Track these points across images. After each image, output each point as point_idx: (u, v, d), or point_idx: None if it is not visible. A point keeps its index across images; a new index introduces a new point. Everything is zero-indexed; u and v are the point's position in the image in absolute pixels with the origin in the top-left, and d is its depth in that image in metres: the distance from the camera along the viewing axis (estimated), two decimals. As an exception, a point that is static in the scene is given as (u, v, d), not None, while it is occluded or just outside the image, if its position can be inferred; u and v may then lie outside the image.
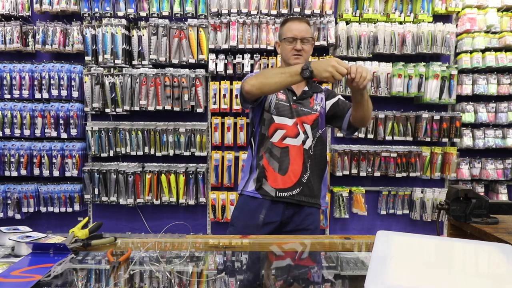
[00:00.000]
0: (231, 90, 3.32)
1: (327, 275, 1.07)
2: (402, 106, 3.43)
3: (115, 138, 3.32)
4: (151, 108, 3.26)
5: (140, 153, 3.30)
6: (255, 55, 3.28)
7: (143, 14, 3.30)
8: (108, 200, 3.31)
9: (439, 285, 0.77)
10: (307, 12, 3.22)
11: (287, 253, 1.24)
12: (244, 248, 1.25)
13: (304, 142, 1.78)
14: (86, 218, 1.36)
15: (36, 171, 3.29)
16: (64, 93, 3.29)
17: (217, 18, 3.24)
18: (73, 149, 3.30)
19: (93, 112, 3.35)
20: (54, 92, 3.28)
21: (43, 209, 3.32)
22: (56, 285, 0.91)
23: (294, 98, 1.82)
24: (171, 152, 3.30)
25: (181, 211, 3.52)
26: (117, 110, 3.28)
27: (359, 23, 3.28)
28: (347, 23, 3.31)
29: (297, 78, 1.54)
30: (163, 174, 3.28)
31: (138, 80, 3.24)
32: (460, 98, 3.39)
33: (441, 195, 3.33)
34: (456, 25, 3.39)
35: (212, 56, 3.26)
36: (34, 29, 3.34)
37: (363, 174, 3.30)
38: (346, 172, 3.29)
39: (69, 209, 3.33)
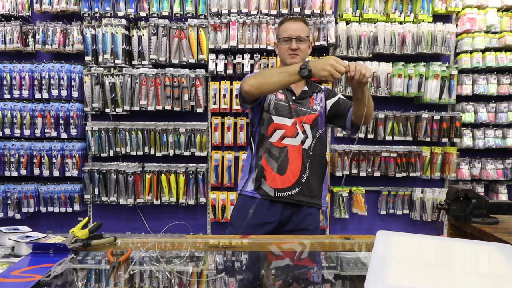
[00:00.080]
0: (231, 90, 3.32)
1: (327, 275, 1.07)
2: (402, 106, 3.43)
3: (115, 138, 3.32)
4: (151, 108, 3.26)
5: (140, 153, 3.30)
6: (255, 55, 3.28)
7: (143, 14, 3.29)
8: (108, 200, 3.31)
9: (439, 285, 0.77)
10: (307, 12, 3.22)
11: (287, 253, 1.24)
12: (244, 248, 1.25)
13: (303, 142, 1.77)
14: (86, 218, 1.36)
15: (36, 171, 3.29)
16: (64, 93, 3.29)
17: (217, 18, 3.24)
18: (73, 149, 3.30)
19: (93, 112, 3.35)
20: (54, 92, 3.28)
21: (43, 209, 3.32)
22: (56, 285, 0.91)
23: (293, 98, 1.82)
24: (171, 152, 3.30)
25: (181, 211, 3.52)
26: (117, 110, 3.28)
27: (359, 23, 3.28)
28: (347, 23, 3.31)
29: (295, 78, 1.54)
30: (163, 174, 3.28)
31: (138, 80, 3.24)
32: (460, 98, 3.39)
33: (441, 195, 3.33)
34: (456, 25, 3.39)
35: (212, 56, 3.26)
36: (34, 29, 3.34)
37: (363, 174, 3.30)
38: (346, 172, 3.29)
39: (69, 209, 3.33)
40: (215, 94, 3.29)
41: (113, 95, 3.26)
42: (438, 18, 3.37)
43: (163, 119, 3.38)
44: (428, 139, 3.32)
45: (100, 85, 3.26)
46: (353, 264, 1.12)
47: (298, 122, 1.77)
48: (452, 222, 1.27)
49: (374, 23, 3.31)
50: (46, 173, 3.29)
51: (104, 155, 3.31)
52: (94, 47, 3.28)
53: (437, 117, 3.31)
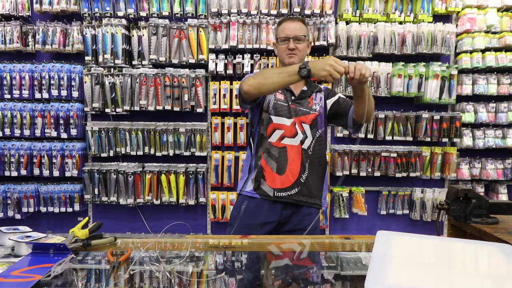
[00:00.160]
0: (231, 90, 3.32)
1: (327, 275, 1.07)
2: (402, 106, 3.43)
3: (115, 138, 3.32)
4: (151, 108, 3.26)
5: (140, 153, 3.30)
6: (255, 55, 3.28)
7: (143, 14, 3.30)
8: (108, 200, 3.31)
9: (439, 285, 0.77)
10: (307, 12, 3.22)
11: (287, 253, 1.24)
12: (244, 248, 1.25)
13: (302, 142, 1.77)
14: (86, 218, 1.36)
15: (36, 171, 3.29)
16: (64, 93, 3.29)
17: (217, 18, 3.24)
18: (73, 149, 3.30)
19: (93, 112, 3.35)
20: (54, 92, 3.28)
21: (43, 209, 3.32)
22: (56, 285, 0.91)
23: (293, 98, 1.82)
24: (171, 152, 3.30)
25: (181, 211, 3.52)
26: (117, 110, 3.28)
27: (359, 23, 3.28)
28: (347, 23, 3.31)
29: (295, 78, 1.54)
30: (163, 174, 3.28)
31: (138, 80, 3.24)
32: (460, 98, 3.39)
33: (441, 195, 3.33)
34: (456, 25, 3.39)
35: (212, 56, 3.26)
36: (34, 29, 3.34)
37: (363, 174, 3.30)
38: (346, 172, 3.29)
39: (69, 209, 3.33)
40: (215, 94, 3.29)
41: (113, 95, 3.26)
42: (438, 18, 3.37)
43: (163, 119, 3.38)
44: (428, 139, 3.32)
45: (100, 85, 3.26)
46: (353, 264, 1.12)
47: (297, 122, 1.77)
48: (452, 222, 1.27)
49: (374, 23, 3.31)
50: (46, 173, 3.29)
51: (104, 155, 3.31)
52: (94, 47, 3.28)
53: (437, 117, 3.31)
